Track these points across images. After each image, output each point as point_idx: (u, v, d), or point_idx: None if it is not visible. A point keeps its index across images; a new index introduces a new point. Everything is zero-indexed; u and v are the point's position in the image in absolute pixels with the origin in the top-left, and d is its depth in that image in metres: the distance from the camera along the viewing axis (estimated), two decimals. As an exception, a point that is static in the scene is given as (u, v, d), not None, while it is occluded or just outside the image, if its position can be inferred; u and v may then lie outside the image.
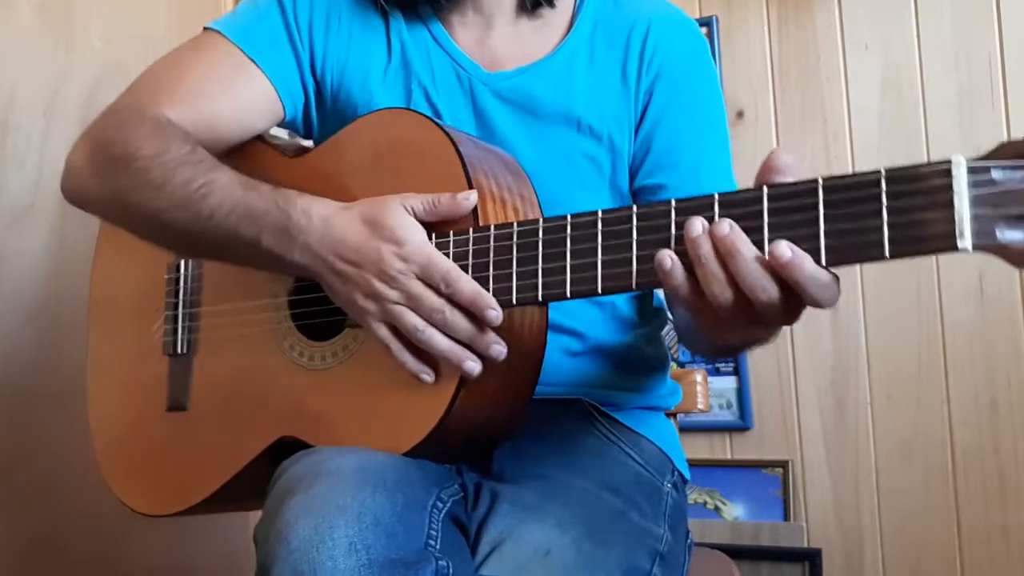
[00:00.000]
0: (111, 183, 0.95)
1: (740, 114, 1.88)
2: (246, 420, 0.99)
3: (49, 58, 1.69)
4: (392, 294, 0.82)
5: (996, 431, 1.68)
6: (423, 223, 0.84)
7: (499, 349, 0.82)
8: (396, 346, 0.83)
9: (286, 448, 0.85)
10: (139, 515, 1.09)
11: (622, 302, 1.06)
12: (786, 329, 1.80)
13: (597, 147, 1.02)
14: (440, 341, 0.82)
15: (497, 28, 1.05)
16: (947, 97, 1.73)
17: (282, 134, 1.14)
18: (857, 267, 1.76)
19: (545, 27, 1.06)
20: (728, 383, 1.89)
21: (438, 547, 0.74)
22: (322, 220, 0.84)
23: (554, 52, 1.04)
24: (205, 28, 1.05)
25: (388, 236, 0.82)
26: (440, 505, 0.79)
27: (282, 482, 0.78)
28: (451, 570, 0.71)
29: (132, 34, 1.85)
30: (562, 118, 1.02)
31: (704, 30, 1.91)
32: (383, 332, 0.84)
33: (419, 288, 0.81)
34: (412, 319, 0.81)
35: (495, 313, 0.80)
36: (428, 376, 0.84)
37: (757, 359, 1.86)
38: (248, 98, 1.02)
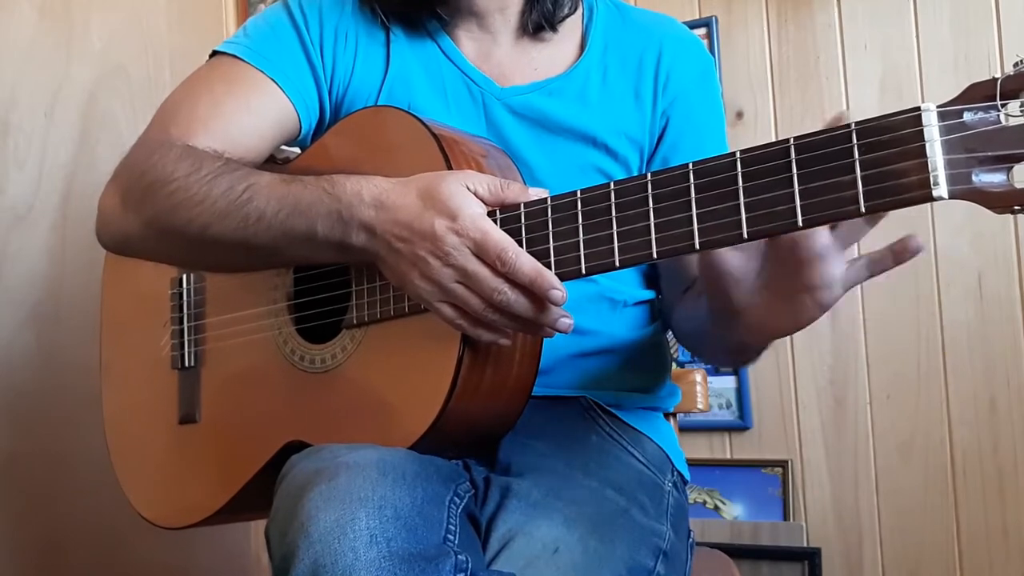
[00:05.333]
0: (149, 210, 0.92)
1: (739, 114, 1.88)
2: (254, 428, 0.99)
3: (50, 59, 1.69)
4: (447, 272, 0.79)
5: (995, 431, 1.68)
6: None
7: (567, 322, 0.80)
8: (465, 324, 0.80)
9: (293, 453, 0.85)
10: (150, 523, 1.10)
11: (632, 301, 1.07)
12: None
13: (612, 164, 1.04)
14: (507, 324, 0.80)
15: (503, 43, 1.06)
16: (946, 97, 1.72)
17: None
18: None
19: (554, 42, 1.07)
20: (727, 383, 1.89)
21: (456, 542, 0.74)
22: (374, 197, 0.82)
23: (569, 71, 1.05)
24: (215, 52, 1.04)
25: (441, 208, 0.79)
26: (457, 500, 0.79)
27: (295, 477, 0.78)
28: (469, 564, 0.71)
29: (132, 34, 1.85)
30: (577, 135, 1.03)
31: (703, 30, 1.91)
32: (447, 312, 0.80)
33: (475, 265, 0.78)
34: (476, 303, 0.78)
35: (559, 294, 0.77)
36: (507, 340, 0.82)
37: (756, 359, 1.86)
38: (269, 116, 1.01)
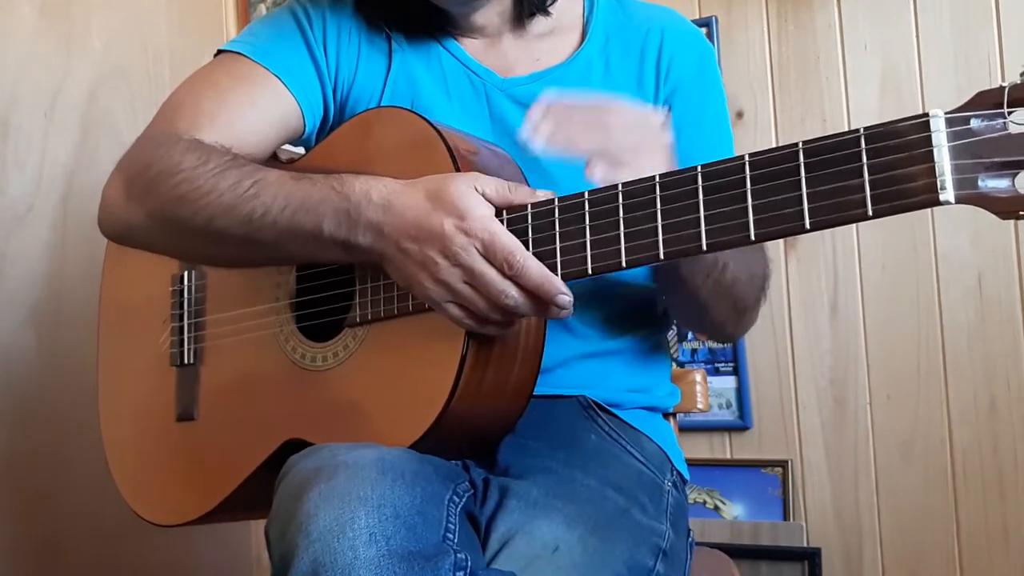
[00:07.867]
0: (154, 201, 0.92)
1: (740, 114, 1.88)
2: (253, 425, 0.99)
3: (50, 59, 1.70)
4: (455, 272, 0.79)
5: (995, 431, 1.68)
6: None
7: (566, 299, 0.80)
8: (473, 324, 0.82)
9: (292, 451, 0.86)
10: (145, 521, 1.09)
11: (632, 301, 1.07)
12: (786, 328, 1.80)
13: None
14: (512, 326, 0.82)
15: (505, 39, 1.07)
16: (946, 97, 1.73)
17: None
18: (857, 267, 1.77)
19: (554, 34, 1.08)
20: (727, 383, 1.89)
21: (455, 540, 0.74)
22: (383, 197, 0.82)
23: (570, 59, 1.06)
24: (220, 51, 1.04)
25: (450, 209, 0.80)
26: (456, 500, 0.79)
27: (295, 476, 0.78)
28: (468, 563, 0.71)
29: (132, 35, 1.86)
30: None
31: (704, 30, 1.91)
32: (454, 312, 0.82)
33: (482, 266, 0.79)
34: (483, 304, 0.80)
35: (566, 298, 0.78)
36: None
37: (757, 359, 1.86)
38: (274, 112, 1.01)
